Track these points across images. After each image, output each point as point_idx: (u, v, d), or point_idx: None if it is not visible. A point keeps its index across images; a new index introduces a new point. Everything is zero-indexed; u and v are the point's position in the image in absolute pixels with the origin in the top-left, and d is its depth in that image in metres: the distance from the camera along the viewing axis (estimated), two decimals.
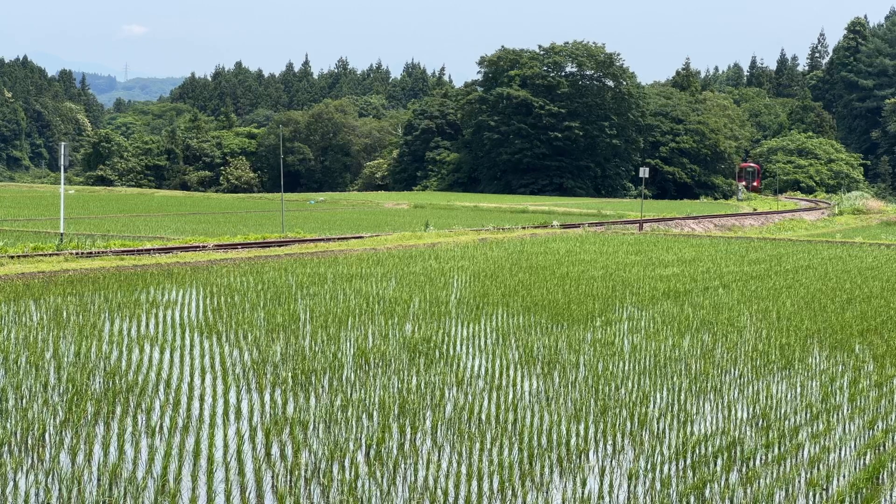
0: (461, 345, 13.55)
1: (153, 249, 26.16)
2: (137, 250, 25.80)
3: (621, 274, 22.74)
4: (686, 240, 36.54)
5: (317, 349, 12.72)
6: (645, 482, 8.06)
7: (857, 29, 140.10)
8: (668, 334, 14.61)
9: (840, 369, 12.67)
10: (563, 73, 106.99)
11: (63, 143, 34.94)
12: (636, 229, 43.34)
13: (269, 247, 28.75)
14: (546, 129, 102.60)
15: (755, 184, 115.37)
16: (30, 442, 8.55)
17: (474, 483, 7.85)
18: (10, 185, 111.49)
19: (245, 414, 9.69)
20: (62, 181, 35.02)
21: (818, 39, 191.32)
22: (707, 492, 7.84)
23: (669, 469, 8.39)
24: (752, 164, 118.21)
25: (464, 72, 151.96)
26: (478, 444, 8.80)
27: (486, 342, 13.78)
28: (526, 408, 10.14)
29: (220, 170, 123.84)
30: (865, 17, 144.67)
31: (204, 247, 27.31)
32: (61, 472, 7.76)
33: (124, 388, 10.41)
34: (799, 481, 8.18)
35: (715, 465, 8.54)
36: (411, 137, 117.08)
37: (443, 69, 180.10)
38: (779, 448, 9.08)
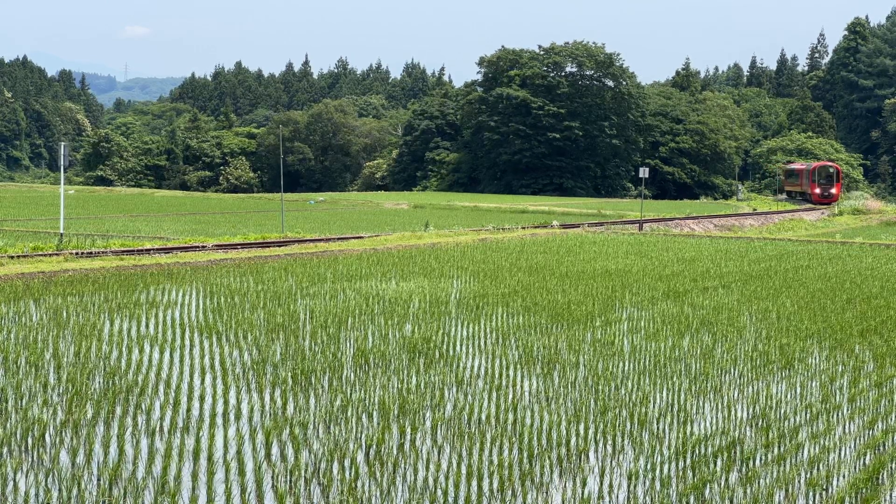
0: (461, 345, 13.54)
1: (153, 249, 26.16)
2: (137, 250, 25.81)
3: (621, 274, 22.73)
4: (686, 240, 36.53)
5: (316, 349, 12.71)
6: (645, 482, 8.05)
7: (857, 29, 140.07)
8: (668, 334, 14.61)
9: (840, 369, 12.66)
10: (562, 74, 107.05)
11: (63, 143, 34.88)
12: (636, 229, 43.34)
13: (268, 247, 28.75)
14: (546, 130, 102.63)
15: (833, 190, 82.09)
16: (30, 442, 8.55)
17: (474, 483, 7.84)
18: (10, 185, 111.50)
19: (245, 414, 9.68)
20: (62, 181, 35.00)
21: (818, 39, 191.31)
22: (707, 492, 7.84)
23: (669, 469, 8.38)
24: (830, 164, 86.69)
25: (464, 72, 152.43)
26: (477, 445, 8.79)
27: (485, 342, 13.77)
28: (526, 408, 10.13)
29: (220, 170, 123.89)
30: (866, 17, 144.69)
31: (204, 247, 27.31)
32: (61, 472, 7.75)
33: (124, 388, 10.40)
34: (799, 481, 8.18)
35: (715, 465, 8.54)
36: (411, 137, 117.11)
37: (443, 69, 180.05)
38: (779, 448, 9.07)
